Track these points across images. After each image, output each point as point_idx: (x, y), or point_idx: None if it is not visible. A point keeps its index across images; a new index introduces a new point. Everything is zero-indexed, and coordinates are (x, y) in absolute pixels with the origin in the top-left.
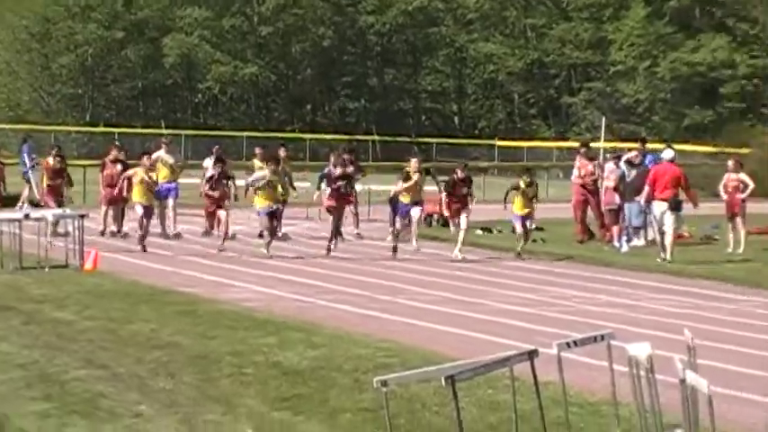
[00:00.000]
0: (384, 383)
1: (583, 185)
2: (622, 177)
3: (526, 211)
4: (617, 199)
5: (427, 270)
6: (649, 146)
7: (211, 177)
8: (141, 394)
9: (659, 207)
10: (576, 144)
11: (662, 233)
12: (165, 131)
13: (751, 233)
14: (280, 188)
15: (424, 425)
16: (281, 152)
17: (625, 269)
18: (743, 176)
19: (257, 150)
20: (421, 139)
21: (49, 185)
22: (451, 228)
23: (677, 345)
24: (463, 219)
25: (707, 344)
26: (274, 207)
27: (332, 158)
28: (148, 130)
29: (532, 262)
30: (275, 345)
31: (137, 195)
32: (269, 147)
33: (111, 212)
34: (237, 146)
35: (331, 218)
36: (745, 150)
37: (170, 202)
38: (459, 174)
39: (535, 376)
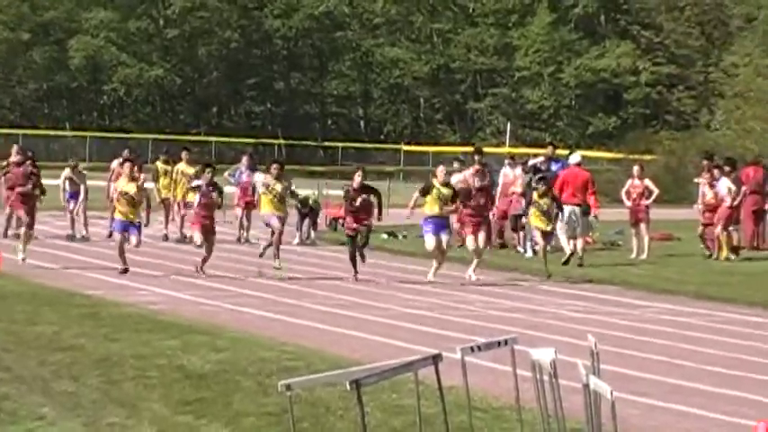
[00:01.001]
0: (288, 387)
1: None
2: (529, 183)
3: (544, 226)
4: (522, 204)
5: (332, 274)
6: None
7: (198, 187)
8: (44, 396)
9: (568, 211)
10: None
11: (573, 237)
12: (69, 134)
13: (654, 239)
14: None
15: (329, 429)
16: (184, 155)
17: (529, 274)
18: (647, 182)
19: (183, 155)
20: (327, 143)
21: None
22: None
23: (581, 350)
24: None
25: (610, 349)
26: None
27: (244, 160)
28: (53, 132)
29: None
30: (179, 348)
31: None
32: (173, 150)
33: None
34: (143, 148)
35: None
36: (648, 157)
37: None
38: (356, 181)
39: (439, 381)
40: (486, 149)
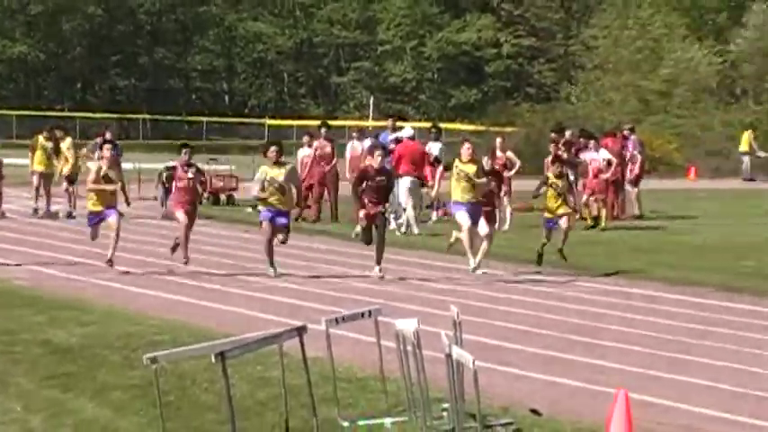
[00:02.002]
0: (154, 360)
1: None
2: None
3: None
4: None
5: (199, 248)
6: (414, 124)
7: (173, 168)
8: None
9: (404, 183)
10: (346, 123)
11: (405, 209)
12: None
13: (517, 210)
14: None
15: (194, 401)
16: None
17: (393, 246)
18: (509, 154)
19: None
20: (191, 118)
21: None
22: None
23: (444, 320)
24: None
25: (473, 319)
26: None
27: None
28: None
29: (302, 239)
30: (45, 323)
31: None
32: (37, 126)
33: None
34: (7, 124)
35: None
36: (509, 129)
37: None
38: (377, 162)
39: (304, 352)
40: (350, 123)
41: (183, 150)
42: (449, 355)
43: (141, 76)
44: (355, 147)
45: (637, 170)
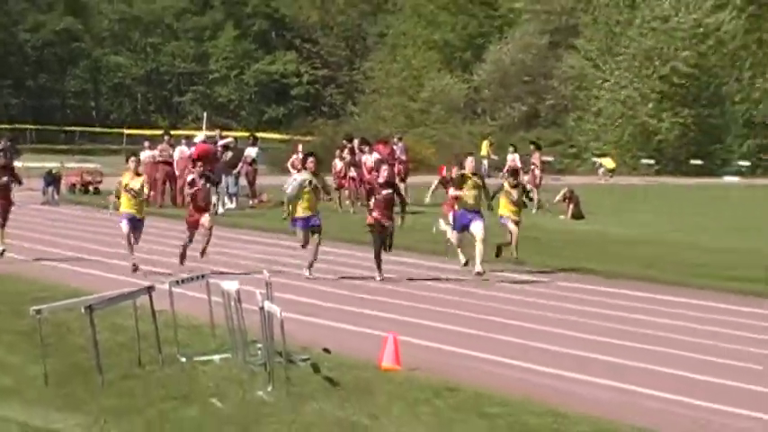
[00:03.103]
0: (38, 312)
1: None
2: (222, 158)
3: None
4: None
5: (78, 227)
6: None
7: (192, 181)
8: None
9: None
10: (185, 132)
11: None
12: None
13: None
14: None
15: (70, 344)
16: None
17: (223, 225)
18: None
19: None
20: (66, 128)
21: None
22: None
23: (259, 282)
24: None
25: (286, 282)
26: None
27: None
28: None
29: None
30: None
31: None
32: None
33: None
34: None
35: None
36: (308, 138)
37: None
38: (383, 176)
39: (152, 306)
40: (187, 132)
41: (198, 164)
42: (261, 308)
43: (29, 96)
44: (183, 150)
45: (403, 169)
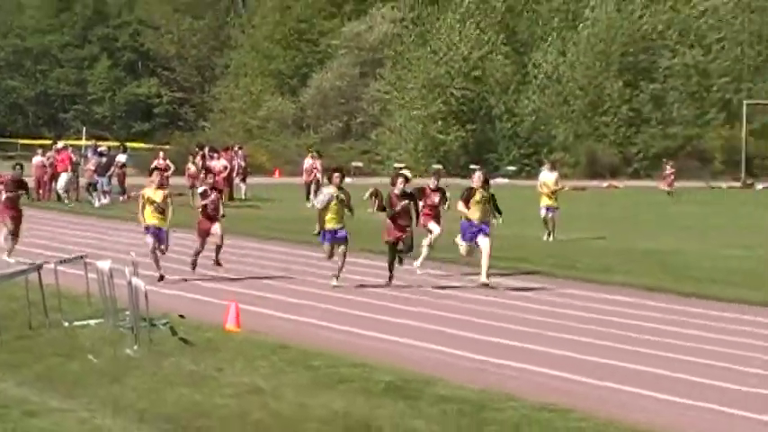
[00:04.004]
0: None
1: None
2: (98, 162)
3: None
4: (95, 176)
5: None
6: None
7: (204, 192)
8: None
9: (64, 177)
10: (68, 142)
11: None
12: None
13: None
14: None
15: None
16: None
17: (98, 217)
18: (168, 162)
19: None
20: None
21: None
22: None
23: (126, 261)
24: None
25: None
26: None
27: None
28: None
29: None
30: None
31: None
32: None
33: None
34: None
35: None
36: (167, 147)
37: None
38: (398, 188)
39: (41, 280)
40: (70, 142)
41: (209, 176)
42: (130, 282)
43: None
44: (90, 157)
45: (242, 173)
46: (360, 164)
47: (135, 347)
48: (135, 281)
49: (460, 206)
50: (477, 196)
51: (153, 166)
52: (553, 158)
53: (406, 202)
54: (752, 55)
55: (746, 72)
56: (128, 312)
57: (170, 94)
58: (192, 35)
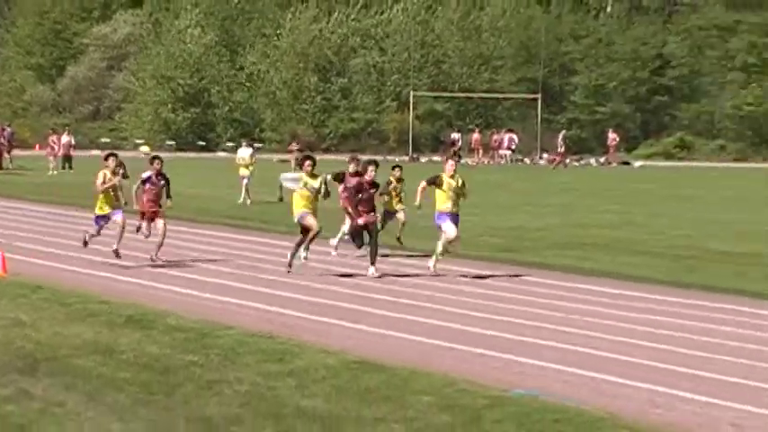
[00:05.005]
0: None
1: None
2: None
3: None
4: None
5: None
6: None
7: (148, 179)
8: None
9: None
10: None
11: None
12: None
13: None
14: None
15: None
16: None
17: None
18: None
19: None
20: None
21: None
22: None
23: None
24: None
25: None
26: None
27: None
28: None
29: None
30: None
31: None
32: None
33: None
34: None
35: None
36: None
37: None
38: (369, 175)
39: None
40: None
41: (156, 161)
42: None
43: None
44: None
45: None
46: (107, 140)
47: None
48: None
49: (422, 185)
50: (444, 185)
51: None
52: (250, 139)
53: (374, 189)
54: (416, 57)
55: (412, 70)
56: None
57: None
58: None
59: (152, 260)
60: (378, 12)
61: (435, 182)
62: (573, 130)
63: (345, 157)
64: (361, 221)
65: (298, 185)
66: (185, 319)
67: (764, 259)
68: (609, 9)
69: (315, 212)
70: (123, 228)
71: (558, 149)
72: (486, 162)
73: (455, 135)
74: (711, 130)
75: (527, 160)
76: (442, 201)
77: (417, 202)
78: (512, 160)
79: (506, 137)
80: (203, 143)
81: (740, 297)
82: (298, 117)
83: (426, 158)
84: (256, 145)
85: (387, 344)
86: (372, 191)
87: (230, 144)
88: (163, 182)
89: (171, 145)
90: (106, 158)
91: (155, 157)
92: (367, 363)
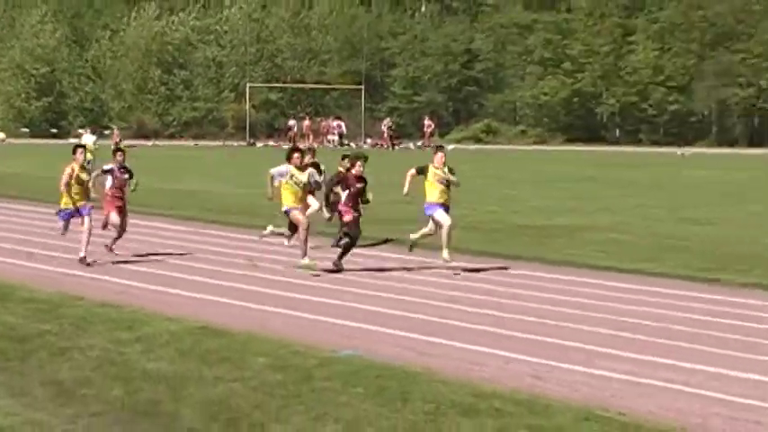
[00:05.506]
0: None
1: None
2: None
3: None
4: None
5: None
6: None
7: (110, 171)
8: None
9: None
10: None
11: None
12: None
13: None
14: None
15: None
16: None
17: None
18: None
19: None
20: None
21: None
22: None
23: None
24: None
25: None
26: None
27: None
28: None
29: None
30: None
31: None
32: None
33: None
34: None
35: None
36: None
37: None
38: (357, 170)
39: None
40: None
41: (118, 153)
42: None
43: None
44: None
45: None
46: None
47: None
48: None
49: (410, 172)
50: (430, 175)
51: None
52: (93, 126)
53: (362, 184)
54: (252, 51)
55: (248, 63)
56: None
57: None
58: None
59: (108, 248)
60: (216, 11)
61: (423, 171)
62: (394, 118)
63: (190, 143)
64: (348, 218)
65: (284, 178)
66: (39, 292)
67: (556, 231)
68: (423, 9)
69: (305, 206)
70: (90, 233)
71: (384, 135)
72: (316, 146)
73: (291, 122)
74: (514, 117)
75: (353, 144)
76: (431, 192)
77: (405, 190)
78: (339, 144)
79: (334, 123)
80: (55, 130)
81: (540, 264)
82: (143, 107)
83: (262, 144)
84: (106, 132)
85: (230, 312)
86: (359, 185)
87: (81, 131)
88: (126, 175)
89: (25, 132)
90: (74, 151)
91: (117, 149)
92: (208, 328)
